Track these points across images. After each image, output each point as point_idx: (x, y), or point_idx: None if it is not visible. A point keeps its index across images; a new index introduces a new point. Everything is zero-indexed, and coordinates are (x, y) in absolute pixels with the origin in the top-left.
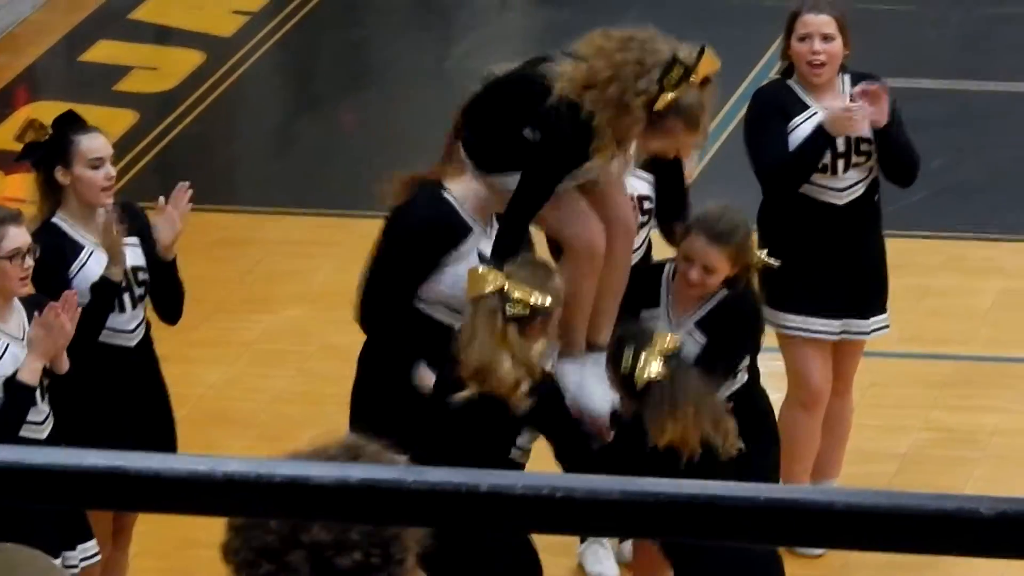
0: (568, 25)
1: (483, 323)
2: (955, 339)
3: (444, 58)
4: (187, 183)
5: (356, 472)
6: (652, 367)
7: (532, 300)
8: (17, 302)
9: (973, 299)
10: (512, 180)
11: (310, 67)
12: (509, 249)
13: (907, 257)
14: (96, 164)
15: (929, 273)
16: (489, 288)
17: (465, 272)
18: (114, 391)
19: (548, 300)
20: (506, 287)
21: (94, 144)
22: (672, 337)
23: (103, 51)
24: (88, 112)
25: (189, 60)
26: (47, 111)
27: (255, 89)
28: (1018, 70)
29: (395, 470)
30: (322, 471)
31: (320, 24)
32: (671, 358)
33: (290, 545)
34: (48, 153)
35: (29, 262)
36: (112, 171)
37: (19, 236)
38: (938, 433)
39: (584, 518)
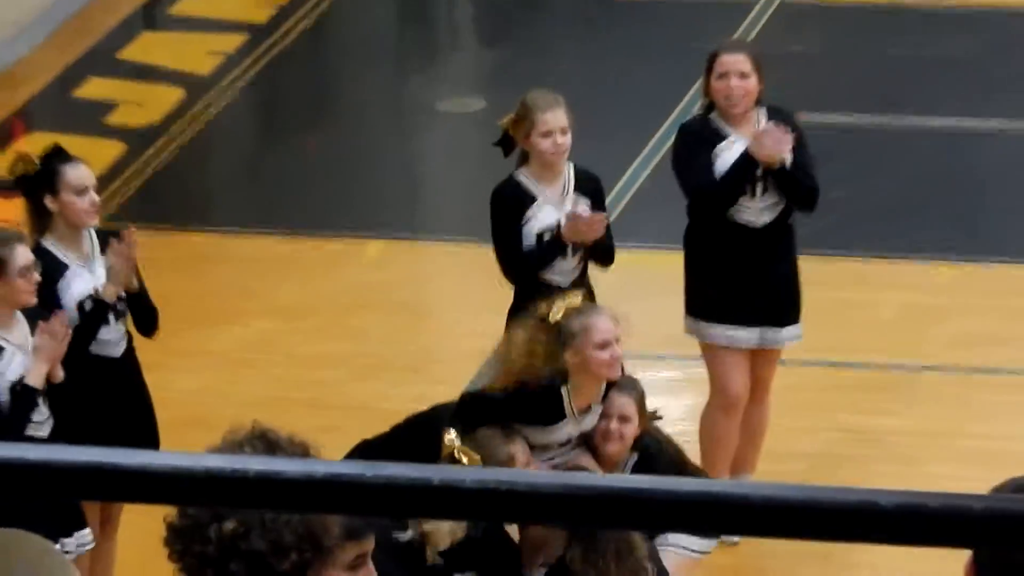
0: (512, 64)
1: None
2: (861, 348)
3: (400, 93)
4: (134, 228)
5: (320, 467)
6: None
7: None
8: (19, 314)
9: (876, 312)
10: None
11: (278, 102)
12: (472, 420)
13: (819, 274)
14: (81, 191)
15: (838, 288)
16: (444, 452)
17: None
18: (103, 396)
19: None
20: (456, 452)
21: (79, 174)
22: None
23: (94, 88)
24: (79, 143)
25: (170, 96)
26: (42, 142)
27: (229, 122)
28: (915, 105)
29: (356, 466)
30: (291, 467)
31: (287, 63)
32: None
33: (230, 555)
34: (37, 183)
35: (36, 277)
36: (96, 197)
37: (26, 253)
38: (844, 434)
39: (525, 509)
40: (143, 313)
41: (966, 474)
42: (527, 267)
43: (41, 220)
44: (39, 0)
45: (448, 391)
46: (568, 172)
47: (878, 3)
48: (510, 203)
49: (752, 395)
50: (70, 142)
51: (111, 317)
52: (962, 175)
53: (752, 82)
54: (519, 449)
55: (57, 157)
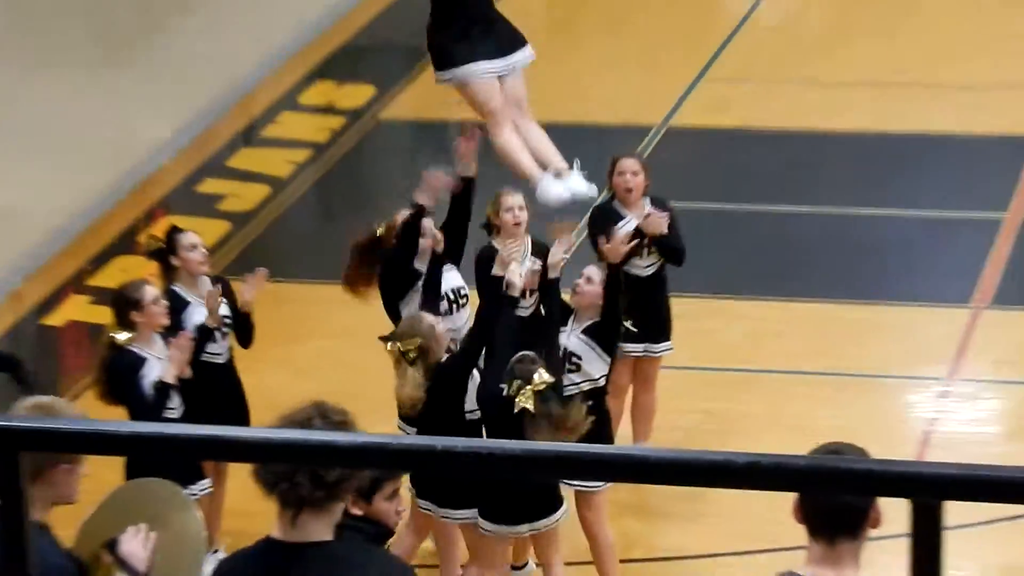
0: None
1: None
2: (718, 358)
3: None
4: (265, 269)
5: (360, 438)
6: (528, 401)
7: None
8: (156, 335)
9: (729, 334)
10: None
11: (333, 196)
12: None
13: (685, 307)
14: (191, 248)
15: (701, 318)
16: (392, 357)
17: None
18: (212, 390)
19: (419, 341)
20: (399, 348)
21: (188, 237)
22: (544, 378)
23: (209, 185)
24: (199, 222)
25: (261, 191)
26: (177, 222)
27: (301, 209)
28: (751, 196)
29: (381, 437)
30: (343, 438)
31: (340, 170)
32: (542, 393)
33: (295, 470)
34: (164, 249)
35: (165, 304)
36: (204, 252)
37: (153, 290)
38: (708, 416)
39: (501, 468)
40: (245, 330)
41: (790, 443)
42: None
43: (169, 273)
44: (173, 124)
45: None
46: (527, 241)
47: (730, 128)
48: (483, 261)
49: (644, 387)
50: (193, 222)
51: (217, 335)
52: (783, 242)
53: (641, 179)
54: (435, 320)
55: (173, 231)
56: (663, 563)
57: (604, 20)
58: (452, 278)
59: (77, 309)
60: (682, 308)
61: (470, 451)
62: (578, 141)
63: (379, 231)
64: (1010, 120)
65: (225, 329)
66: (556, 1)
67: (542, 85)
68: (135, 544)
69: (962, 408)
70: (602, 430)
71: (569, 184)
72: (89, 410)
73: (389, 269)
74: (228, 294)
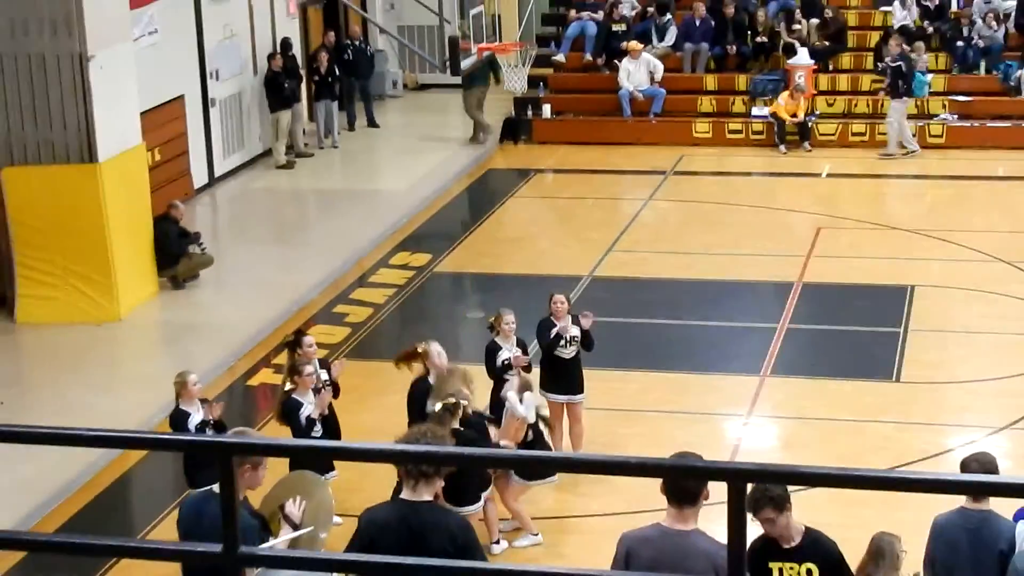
0: (492, 304)
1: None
2: (621, 403)
3: (455, 309)
4: (346, 359)
5: (446, 450)
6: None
7: (451, 401)
8: (311, 390)
9: (626, 389)
10: None
11: (413, 316)
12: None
13: (603, 374)
14: (310, 345)
15: (610, 381)
16: (438, 410)
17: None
18: (325, 420)
19: (455, 399)
20: (445, 405)
21: (309, 339)
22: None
23: (340, 308)
24: (331, 330)
25: (365, 312)
26: (322, 329)
27: (389, 323)
28: (658, 314)
29: (455, 448)
30: (439, 449)
31: (412, 300)
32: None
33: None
34: (293, 344)
35: (315, 377)
36: (315, 347)
37: (311, 368)
38: (614, 437)
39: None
40: (336, 389)
41: (663, 452)
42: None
43: (293, 357)
44: (319, 275)
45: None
46: (513, 340)
47: (627, 277)
48: (490, 351)
49: (573, 421)
50: (329, 328)
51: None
52: (656, 339)
53: (567, 304)
54: (465, 387)
55: (297, 334)
56: (587, 519)
57: (557, 216)
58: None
59: (265, 377)
60: (603, 375)
61: (504, 458)
62: (540, 285)
63: (419, 348)
64: (780, 273)
65: (327, 388)
66: (535, 213)
67: (521, 253)
68: (294, 508)
69: (757, 432)
70: (538, 444)
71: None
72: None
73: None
74: (327, 367)
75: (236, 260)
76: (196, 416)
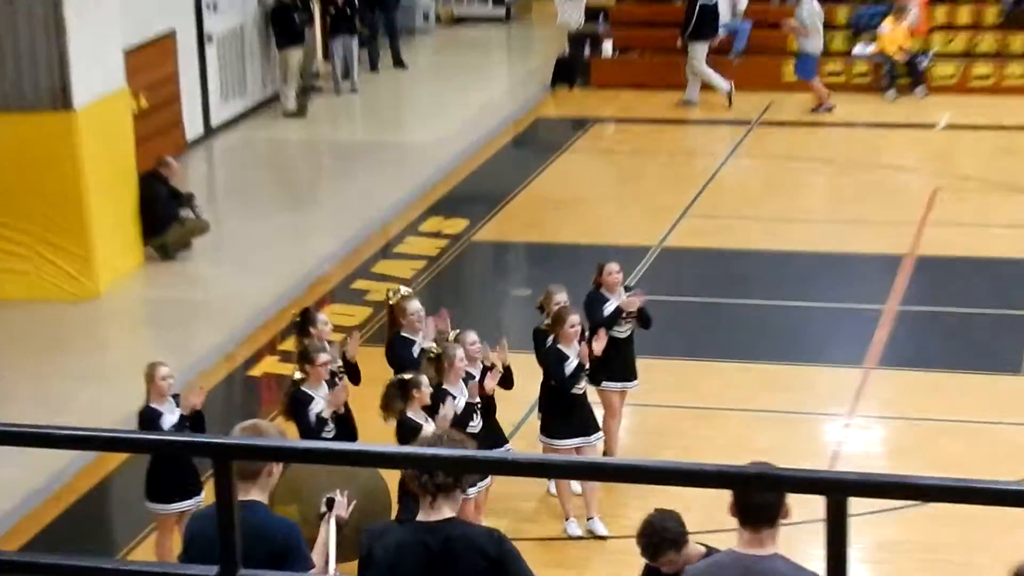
0: (539, 279)
1: None
2: (693, 399)
3: (496, 287)
4: (360, 336)
5: (460, 452)
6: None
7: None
8: (323, 381)
9: (700, 384)
10: None
11: (441, 294)
12: None
13: (671, 365)
14: (325, 323)
15: (681, 373)
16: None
17: None
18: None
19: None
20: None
21: (322, 317)
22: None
23: (359, 284)
24: (352, 309)
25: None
26: (335, 310)
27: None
28: (723, 293)
29: (467, 452)
30: (448, 452)
31: (446, 275)
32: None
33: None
34: (303, 324)
35: (330, 367)
36: (331, 325)
37: (326, 356)
38: (687, 438)
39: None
40: (355, 374)
41: (738, 459)
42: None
43: (303, 340)
44: (335, 245)
45: (513, 418)
46: (573, 320)
47: (703, 248)
48: (539, 336)
49: (613, 415)
50: (350, 308)
51: (337, 381)
52: (737, 323)
53: (620, 275)
54: (460, 352)
55: (307, 312)
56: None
57: (618, 176)
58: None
59: (270, 366)
60: (669, 366)
61: (531, 461)
62: (599, 256)
63: (393, 300)
64: (887, 244)
65: (341, 372)
66: (593, 172)
67: (577, 219)
68: (342, 500)
69: (859, 436)
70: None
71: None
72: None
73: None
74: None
75: (236, 226)
76: (169, 417)
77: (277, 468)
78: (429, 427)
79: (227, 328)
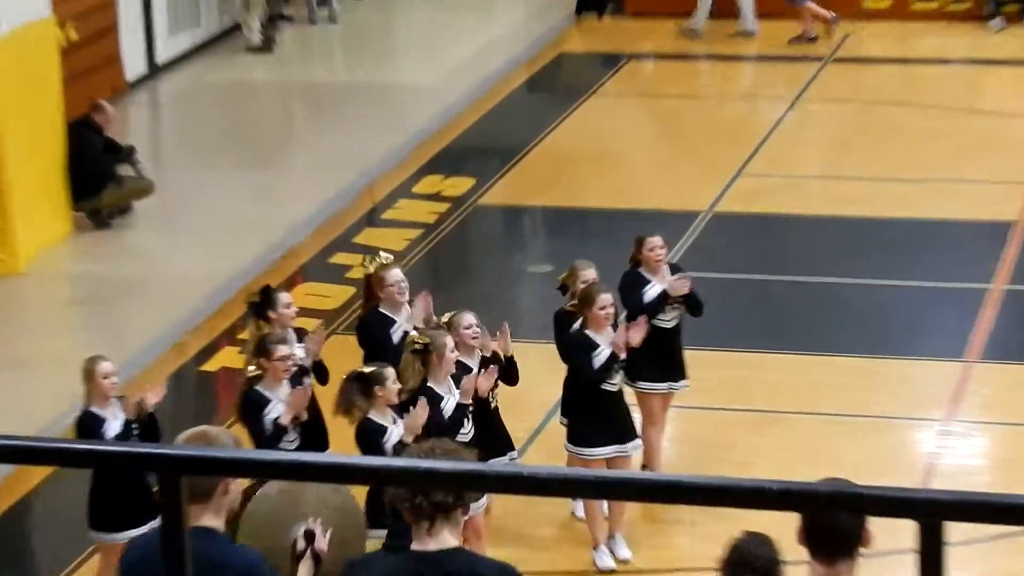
0: (562, 252)
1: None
2: (751, 400)
3: (508, 260)
4: (324, 330)
5: (466, 466)
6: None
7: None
8: (284, 380)
9: (760, 382)
10: None
11: (439, 266)
12: None
13: (724, 359)
14: (288, 306)
15: (736, 368)
16: (408, 345)
17: None
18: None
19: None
20: (416, 339)
21: (285, 297)
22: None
23: (339, 258)
24: (330, 288)
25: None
26: (311, 290)
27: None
28: (789, 269)
29: (469, 464)
30: (441, 464)
31: (445, 245)
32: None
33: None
34: (261, 305)
35: (290, 363)
36: (295, 309)
37: (286, 350)
38: (743, 450)
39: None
40: (322, 372)
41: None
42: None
43: (261, 325)
44: (309, 209)
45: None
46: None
47: (761, 213)
48: (561, 320)
49: (654, 421)
50: (327, 287)
51: (305, 380)
52: (804, 307)
53: (665, 251)
54: (449, 341)
55: (267, 292)
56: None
57: (658, 126)
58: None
59: (229, 359)
60: (723, 359)
61: (552, 477)
62: (636, 224)
63: (370, 268)
64: (992, 209)
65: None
66: (628, 119)
67: (607, 178)
68: (319, 531)
69: (959, 445)
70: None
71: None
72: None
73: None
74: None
75: (187, 187)
76: (113, 423)
77: (235, 486)
78: (396, 432)
79: (176, 312)
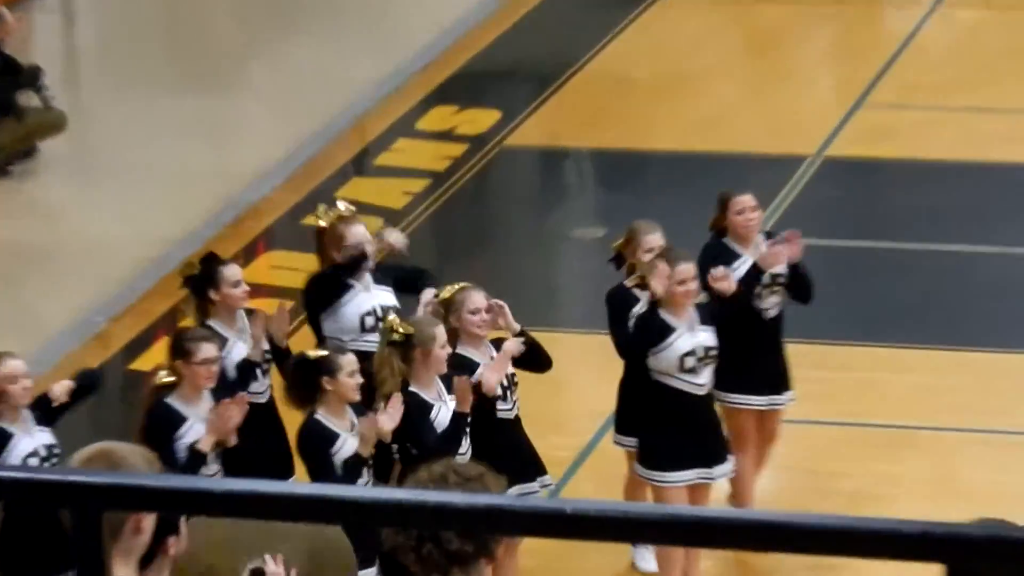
0: (622, 207)
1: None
2: (881, 413)
3: (543, 224)
4: (289, 302)
5: (483, 500)
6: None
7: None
8: (206, 392)
9: (893, 387)
10: None
11: (450, 229)
12: None
13: (841, 356)
14: (236, 284)
15: (860, 369)
16: (385, 327)
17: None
18: (253, 433)
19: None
20: (394, 325)
21: (233, 272)
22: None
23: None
24: (307, 258)
25: (373, 225)
26: (278, 259)
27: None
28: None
29: (503, 498)
30: (456, 499)
31: (458, 200)
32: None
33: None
34: (201, 281)
35: (215, 369)
36: (246, 287)
37: (212, 349)
38: (869, 478)
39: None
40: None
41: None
42: (632, 346)
43: (203, 307)
44: (276, 152)
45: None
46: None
47: (892, 159)
48: (619, 301)
49: (765, 440)
50: (299, 257)
51: (258, 373)
52: (952, 285)
53: (760, 214)
54: (440, 331)
55: (214, 262)
56: None
57: (750, 39)
58: (386, 297)
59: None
60: (837, 357)
61: (602, 514)
62: (720, 173)
63: (321, 220)
64: None
65: (266, 365)
66: (705, 32)
67: (681, 110)
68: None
69: None
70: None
71: None
72: None
73: (323, 279)
74: (259, 324)
75: (111, 120)
76: (25, 440)
77: (147, 521)
78: (350, 442)
79: (96, 290)
